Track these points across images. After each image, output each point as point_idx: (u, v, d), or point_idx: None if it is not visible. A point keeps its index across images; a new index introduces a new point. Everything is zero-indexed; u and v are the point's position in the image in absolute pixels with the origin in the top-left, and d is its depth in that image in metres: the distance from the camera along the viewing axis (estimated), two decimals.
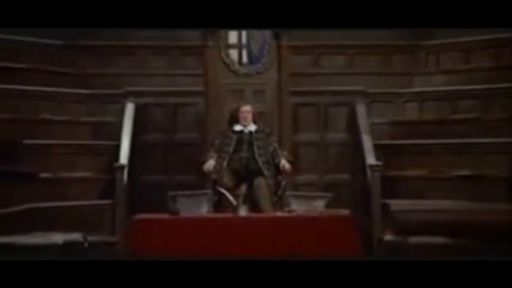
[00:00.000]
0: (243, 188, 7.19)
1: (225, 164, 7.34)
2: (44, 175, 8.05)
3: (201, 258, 5.05)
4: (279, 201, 7.29)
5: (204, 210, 7.01)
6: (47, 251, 3.83)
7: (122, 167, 8.08)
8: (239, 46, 8.61)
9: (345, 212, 6.81)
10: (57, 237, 3.81)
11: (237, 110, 7.65)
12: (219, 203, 7.14)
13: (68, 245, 3.82)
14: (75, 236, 3.92)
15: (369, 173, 8.13)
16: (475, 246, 4.09)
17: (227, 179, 7.21)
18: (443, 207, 5.44)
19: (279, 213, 6.91)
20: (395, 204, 7.31)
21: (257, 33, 8.52)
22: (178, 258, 5.77)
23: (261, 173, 7.28)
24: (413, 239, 3.97)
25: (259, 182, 7.21)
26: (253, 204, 7.15)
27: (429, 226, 3.95)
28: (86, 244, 3.90)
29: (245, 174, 7.28)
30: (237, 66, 8.64)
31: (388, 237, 4.46)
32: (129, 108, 8.72)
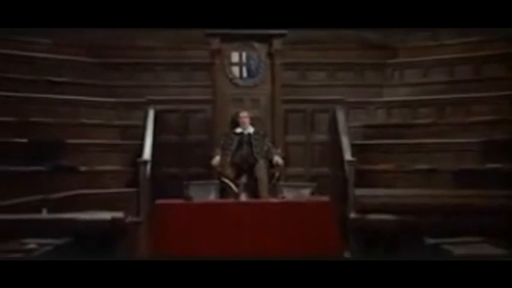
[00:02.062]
0: (244, 179, 7.26)
1: (228, 159, 7.43)
2: (82, 168, 8.20)
3: (198, 258, 4.82)
4: (273, 190, 7.35)
5: (212, 196, 7.19)
6: (99, 224, 3.99)
7: (145, 161, 8.10)
8: (240, 64, 8.45)
9: (325, 198, 6.95)
10: (106, 215, 4.04)
11: (237, 115, 7.75)
12: (224, 191, 7.24)
13: (114, 220, 4.02)
14: (119, 214, 4.16)
15: (346, 167, 8.11)
16: (419, 222, 4.27)
17: (229, 171, 7.32)
18: (396, 193, 5.76)
19: (273, 199, 7.06)
20: (358, 191, 7.53)
21: (254, 54, 8.40)
22: (176, 258, 5.74)
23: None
24: (370, 216, 4.19)
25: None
26: (254, 183, 7.25)
27: (382, 207, 4.19)
28: (128, 220, 4.16)
29: (245, 167, 7.38)
30: (238, 80, 8.46)
31: (352, 215, 4.75)
32: (151, 114, 8.70)
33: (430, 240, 5.31)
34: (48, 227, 4.41)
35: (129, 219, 4.47)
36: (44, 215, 5.67)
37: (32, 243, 5.19)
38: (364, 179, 8.33)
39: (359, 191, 7.26)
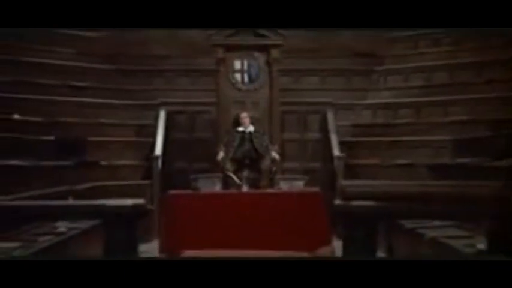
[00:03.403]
0: (246, 173, 7.38)
1: (230, 155, 7.52)
2: (103, 163, 8.34)
3: (195, 258, 4.65)
4: (271, 181, 7.51)
5: (217, 188, 7.28)
6: (124, 209, 4.14)
7: (157, 157, 8.29)
8: (242, 71, 8.51)
9: (316, 189, 7.20)
10: (128, 201, 4.22)
11: (238, 116, 7.85)
12: (228, 183, 7.35)
13: (135, 206, 4.18)
14: (140, 201, 4.35)
15: (335, 161, 8.34)
16: (397, 208, 4.41)
17: (229, 165, 7.43)
18: (378, 184, 5.90)
19: (271, 190, 7.27)
20: (345, 182, 7.69)
21: (255, 62, 8.48)
22: (173, 258, 5.74)
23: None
24: (353, 203, 4.36)
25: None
26: (257, 175, 7.37)
27: (365, 195, 4.33)
28: (148, 206, 4.28)
29: (247, 161, 7.50)
30: (240, 85, 8.52)
31: (337, 202, 4.94)
32: (162, 115, 8.87)
33: (407, 225, 5.58)
34: (76, 212, 4.61)
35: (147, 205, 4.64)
36: (72, 202, 5.86)
37: (62, 227, 5.47)
38: (350, 172, 8.45)
39: (345, 182, 7.48)
